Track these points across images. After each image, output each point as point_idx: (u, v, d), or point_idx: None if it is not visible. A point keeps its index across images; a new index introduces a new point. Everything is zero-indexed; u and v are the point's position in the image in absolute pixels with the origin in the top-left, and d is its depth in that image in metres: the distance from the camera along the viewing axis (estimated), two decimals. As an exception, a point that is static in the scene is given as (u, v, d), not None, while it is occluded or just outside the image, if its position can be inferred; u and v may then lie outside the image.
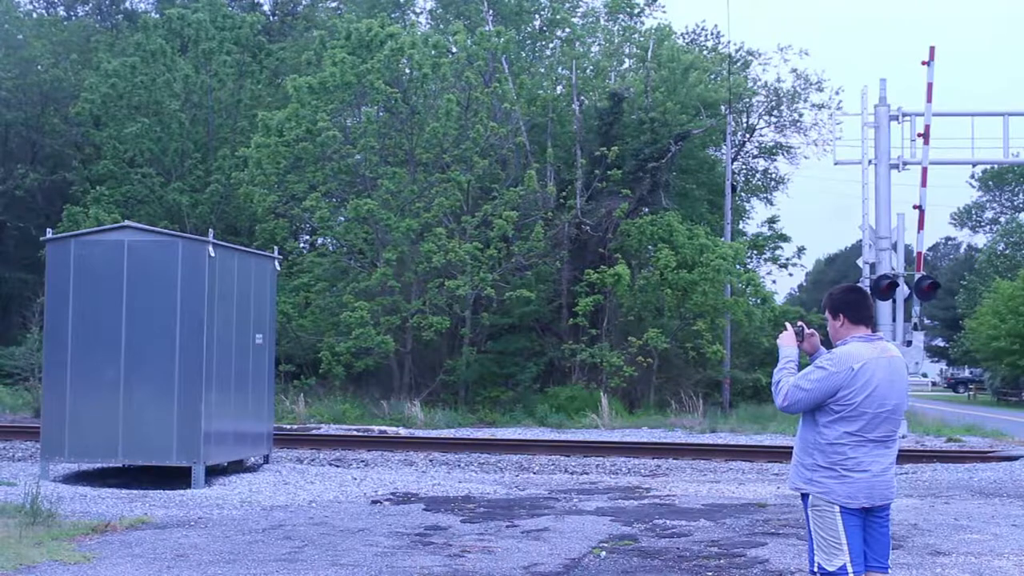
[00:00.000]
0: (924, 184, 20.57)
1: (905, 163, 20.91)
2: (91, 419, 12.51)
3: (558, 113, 32.04)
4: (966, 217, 70.48)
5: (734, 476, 15.33)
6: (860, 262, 21.00)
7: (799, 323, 5.29)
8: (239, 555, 8.28)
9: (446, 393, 28.28)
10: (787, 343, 5.20)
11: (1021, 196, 67.84)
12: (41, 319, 17.88)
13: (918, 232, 20.59)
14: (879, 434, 4.91)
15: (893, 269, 20.05)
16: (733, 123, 35.53)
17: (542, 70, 35.15)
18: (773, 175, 42.36)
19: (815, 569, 4.95)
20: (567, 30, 35.49)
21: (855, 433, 4.88)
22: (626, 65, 36.42)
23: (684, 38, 39.96)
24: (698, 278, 28.35)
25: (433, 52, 28.31)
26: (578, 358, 27.93)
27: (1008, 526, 10.16)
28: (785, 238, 36.10)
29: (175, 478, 12.54)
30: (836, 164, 22.50)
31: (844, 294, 5.15)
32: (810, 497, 4.97)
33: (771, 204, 42.47)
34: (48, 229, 14.49)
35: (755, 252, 36.32)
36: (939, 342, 74.10)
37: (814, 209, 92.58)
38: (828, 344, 5.19)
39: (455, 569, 7.84)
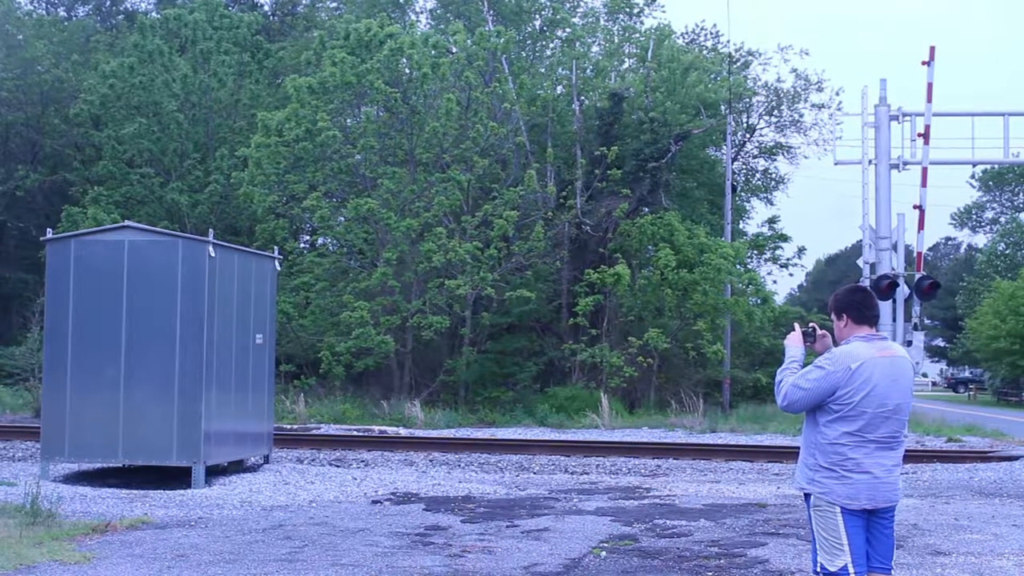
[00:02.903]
0: (924, 184, 20.54)
1: (905, 163, 20.87)
2: (91, 419, 12.51)
3: (558, 113, 32.03)
4: (966, 217, 70.51)
5: (734, 476, 15.32)
6: (860, 262, 20.96)
7: (811, 324, 5.30)
8: (239, 555, 8.28)
9: (446, 393, 28.28)
10: (793, 343, 5.21)
11: (1021, 196, 67.85)
12: (41, 319, 17.89)
13: (918, 232, 20.55)
14: (881, 435, 4.89)
15: (893, 269, 20.02)
16: (733, 123, 35.51)
17: (542, 70, 35.15)
18: (773, 175, 42.38)
19: (817, 569, 4.95)
20: (567, 30, 35.48)
21: (855, 433, 4.87)
22: (626, 65, 36.40)
23: (684, 38, 39.93)
24: (698, 278, 28.34)
25: (433, 52, 28.31)
26: (578, 358, 27.92)
27: (1008, 526, 10.16)
28: (785, 238, 36.10)
29: (175, 478, 12.53)
30: (836, 164, 22.43)
31: (847, 295, 5.16)
32: (812, 497, 4.97)
33: (771, 204, 42.53)
34: (48, 229, 14.49)
35: (755, 252, 36.31)
36: (939, 342, 74.13)
37: (814, 209, 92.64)
38: (838, 345, 5.20)
39: (455, 569, 7.83)
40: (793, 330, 5.28)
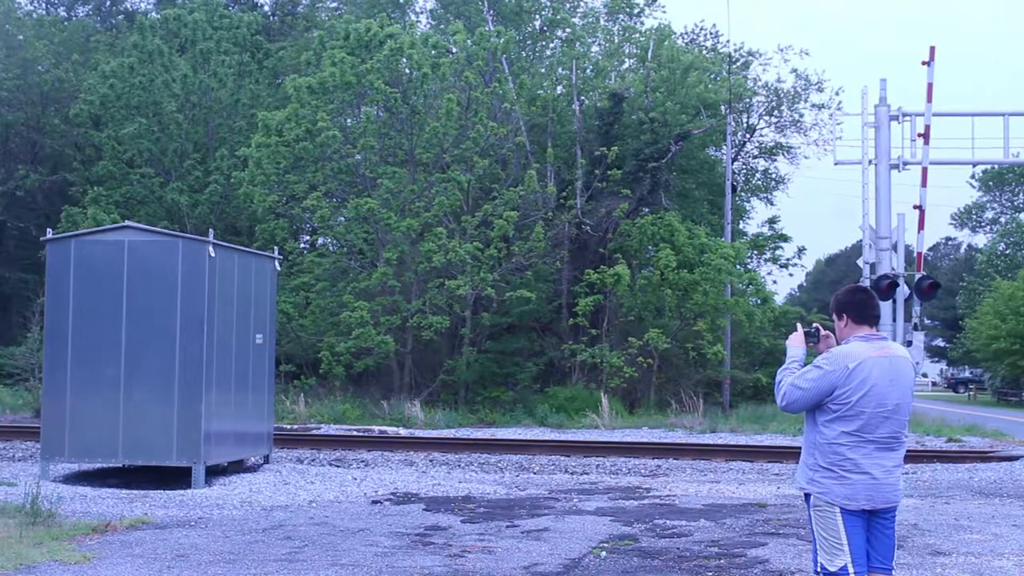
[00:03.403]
0: (924, 184, 20.52)
1: (905, 163, 20.85)
2: (91, 419, 12.50)
3: (558, 113, 32.04)
4: (966, 217, 70.53)
5: (734, 476, 15.33)
6: (860, 262, 20.94)
7: (814, 325, 5.30)
8: (239, 555, 8.28)
9: (446, 393, 28.27)
10: (795, 344, 5.22)
11: (1021, 196, 67.86)
12: (41, 319, 17.89)
13: (918, 232, 20.53)
14: (880, 435, 4.88)
15: (893, 269, 20.00)
16: (733, 123, 35.52)
17: (542, 70, 35.15)
18: (773, 175, 42.41)
19: (818, 569, 4.95)
20: (567, 30, 35.49)
21: (853, 433, 4.87)
22: (626, 65, 36.42)
23: (684, 38, 39.95)
24: (699, 278, 28.35)
25: (433, 52, 28.31)
26: (578, 358, 27.92)
27: (1008, 526, 10.16)
28: (785, 238, 36.13)
29: (175, 478, 12.53)
30: (836, 164, 22.40)
31: (847, 295, 5.16)
32: (812, 497, 4.97)
33: (771, 204, 42.55)
34: (48, 229, 14.49)
35: (755, 252, 36.32)
36: (939, 342, 74.14)
37: (814, 209, 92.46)
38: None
39: (455, 569, 7.83)
40: (795, 330, 5.28)
